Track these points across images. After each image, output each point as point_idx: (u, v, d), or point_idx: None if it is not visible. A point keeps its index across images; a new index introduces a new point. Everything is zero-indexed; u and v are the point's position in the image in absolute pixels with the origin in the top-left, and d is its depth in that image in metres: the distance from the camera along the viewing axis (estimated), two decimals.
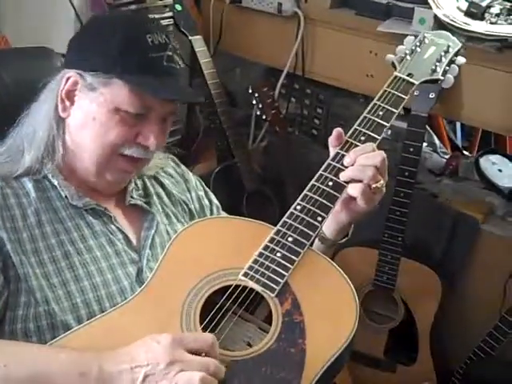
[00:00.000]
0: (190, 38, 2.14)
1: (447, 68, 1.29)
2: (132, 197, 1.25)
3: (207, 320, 1.00)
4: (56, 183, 1.16)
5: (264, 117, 2.10)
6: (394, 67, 1.29)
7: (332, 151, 1.17)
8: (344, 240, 1.24)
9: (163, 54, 1.12)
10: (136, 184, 1.28)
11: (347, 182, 1.12)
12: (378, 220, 2.01)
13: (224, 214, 1.43)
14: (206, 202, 1.39)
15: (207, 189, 1.43)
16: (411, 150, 1.81)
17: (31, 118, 1.18)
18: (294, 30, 2.23)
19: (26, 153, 1.16)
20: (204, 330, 0.99)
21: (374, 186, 1.10)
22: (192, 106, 2.52)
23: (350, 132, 1.18)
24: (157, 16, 2.03)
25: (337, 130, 1.16)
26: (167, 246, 1.12)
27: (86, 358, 0.91)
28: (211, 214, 1.39)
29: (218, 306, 1.03)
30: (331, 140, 1.17)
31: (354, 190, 1.11)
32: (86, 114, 1.14)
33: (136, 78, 1.10)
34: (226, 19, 2.36)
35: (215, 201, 1.42)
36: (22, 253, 1.07)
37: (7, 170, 1.15)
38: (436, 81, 1.28)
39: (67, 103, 1.16)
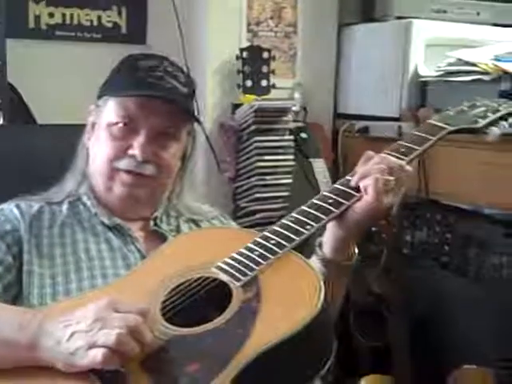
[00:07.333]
0: (310, 159, 2.27)
1: None
2: (157, 225, 1.31)
3: (169, 301, 1.02)
4: (88, 203, 1.29)
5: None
6: None
7: None
8: (350, 263, 1.16)
9: (151, 73, 1.25)
10: (169, 219, 1.35)
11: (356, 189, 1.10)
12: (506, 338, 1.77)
13: None
14: None
15: None
16: None
17: None
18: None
19: (69, 181, 1.33)
20: (163, 307, 1.01)
21: (384, 177, 1.06)
22: None
23: None
24: (274, 137, 2.19)
25: (367, 154, 1.14)
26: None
27: (30, 314, 0.98)
28: None
29: (184, 291, 1.04)
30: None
31: (365, 181, 1.07)
32: (94, 138, 1.30)
33: (122, 93, 1.25)
34: (353, 151, 2.38)
35: None
36: (37, 254, 1.19)
37: (52, 196, 1.32)
38: None
39: (91, 133, 1.32)
